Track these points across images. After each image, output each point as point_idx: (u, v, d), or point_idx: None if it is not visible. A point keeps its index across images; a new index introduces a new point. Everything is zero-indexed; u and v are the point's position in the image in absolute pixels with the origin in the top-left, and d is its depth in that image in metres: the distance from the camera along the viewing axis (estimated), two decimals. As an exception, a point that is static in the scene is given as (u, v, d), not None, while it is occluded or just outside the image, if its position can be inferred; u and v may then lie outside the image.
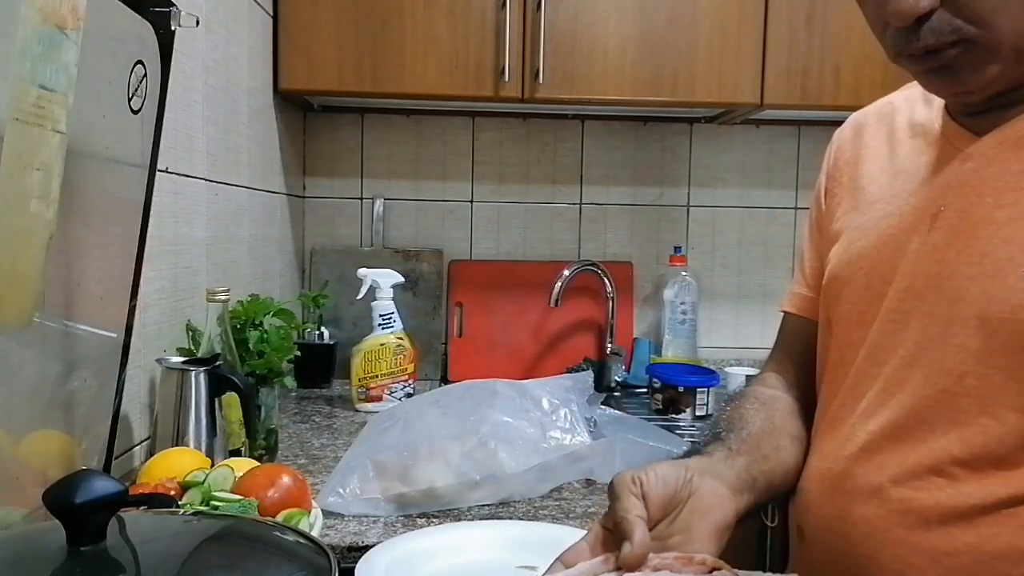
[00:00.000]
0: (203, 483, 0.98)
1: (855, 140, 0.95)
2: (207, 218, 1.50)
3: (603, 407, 1.47)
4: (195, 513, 0.86)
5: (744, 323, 2.36)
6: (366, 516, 1.17)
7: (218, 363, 1.22)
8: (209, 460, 1.12)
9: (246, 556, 0.64)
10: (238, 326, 1.41)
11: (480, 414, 1.28)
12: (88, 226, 0.92)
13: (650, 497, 0.74)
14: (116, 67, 0.92)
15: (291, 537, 0.67)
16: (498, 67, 1.90)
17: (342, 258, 2.25)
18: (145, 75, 0.96)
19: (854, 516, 0.79)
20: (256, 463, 1.11)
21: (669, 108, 2.17)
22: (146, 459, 1.17)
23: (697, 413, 1.93)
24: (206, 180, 1.49)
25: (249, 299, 1.51)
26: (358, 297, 1.86)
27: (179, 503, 0.95)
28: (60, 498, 0.58)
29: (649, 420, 1.68)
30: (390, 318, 1.83)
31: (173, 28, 0.99)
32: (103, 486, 0.58)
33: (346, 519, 1.16)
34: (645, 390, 2.14)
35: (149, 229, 1.04)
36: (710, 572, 0.71)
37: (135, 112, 0.96)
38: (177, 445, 1.17)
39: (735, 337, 2.36)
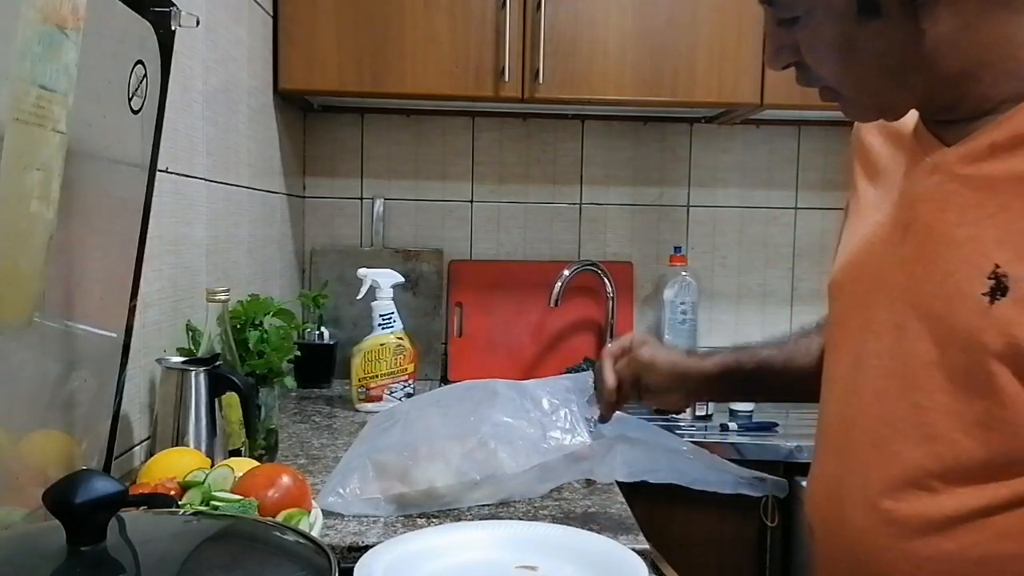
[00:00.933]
0: (203, 483, 0.98)
1: (880, 135, 0.93)
2: (207, 218, 1.50)
3: None
4: (195, 513, 0.86)
5: (744, 323, 2.36)
6: (366, 516, 1.17)
7: (218, 363, 1.22)
8: (209, 460, 1.12)
9: (246, 556, 0.64)
10: (238, 326, 1.41)
11: (480, 414, 1.28)
12: (88, 226, 0.92)
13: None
14: (116, 67, 0.92)
15: (291, 537, 0.67)
16: (498, 67, 1.90)
17: (342, 258, 2.25)
18: (145, 75, 0.96)
19: (849, 522, 0.82)
20: (256, 463, 1.11)
21: (669, 108, 2.17)
22: (146, 459, 1.17)
23: (697, 413, 1.93)
24: (206, 180, 1.49)
25: (249, 299, 1.51)
26: (358, 297, 1.86)
27: (179, 503, 0.95)
28: (60, 498, 0.58)
29: (649, 420, 1.68)
30: (390, 318, 1.83)
31: (173, 28, 0.99)
32: (103, 486, 0.58)
33: (346, 519, 1.16)
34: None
35: (149, 229, 1.04)
36: None
37: (135, 112, 0.96)
38: (177, 445, 1.17)
39: (735, 337, 2.36)
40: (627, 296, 2.30)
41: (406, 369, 1.83)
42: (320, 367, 2.06)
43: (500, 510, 1.22)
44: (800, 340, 1.10)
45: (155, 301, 1.28)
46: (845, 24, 0.75)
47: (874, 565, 0.79)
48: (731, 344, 2.32)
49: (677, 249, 2.27)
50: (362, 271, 1.87)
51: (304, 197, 2.30)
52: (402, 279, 1.88)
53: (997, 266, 0.71)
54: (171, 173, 1.32)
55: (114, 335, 1.00)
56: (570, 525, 1.15)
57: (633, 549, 0.99)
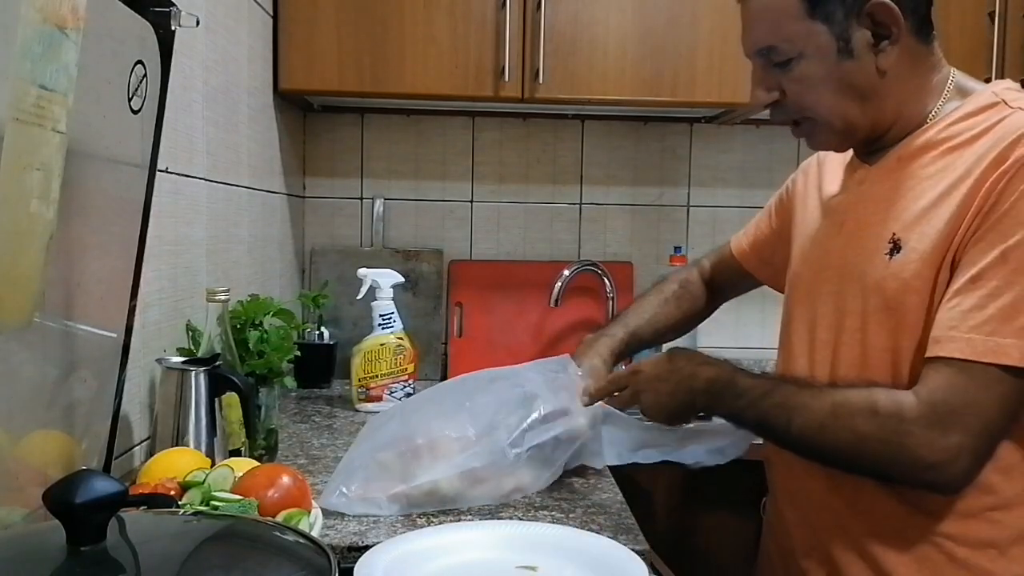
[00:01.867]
0: (203, 483, 0.98)
1: (821, 164, 1.26)
2: (207, 218, 1.50)
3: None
4: (195, 513, 0.86)
5: (744, 323, 2.36)
6: (367, 516, 1.17)
7: (218, 363, 1.22)
8: (209, 460, 1.12)
9: (246, 556, 0.64)
10: (238, 326, 1.41)
11: (474, 401, 1.29)
12: (88, 226, 0.92)
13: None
14: (116, 67, 0.92)
15: (291, 537, 0.67)
16: (498, 67, 1.90)
17: (342, 258, 2.25)
18: (145, 75, 0.96)
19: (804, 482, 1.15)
20: (256, 463, 1.11)
21: (669, 108, 2.17)
22: (146, 459, 1.17)
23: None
24: (206, 180, 1.49)
25: (249, 299, 1.51)
26: (358, 297, 1.86)
27: (179, 503, 0.95)
28: (60, 498, 0.58)
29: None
30: (390, 318, 1.83)
31: (173, 28, 0.99)
32: (103, 486, 0.58)
33: (346, 519, 1.16)
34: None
35: (149, 229, 1.04)
36: None
37: (135, 112, 0.96)
38: (177, 445, 1.17)
39: (735, 337, 2.36)
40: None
41: (406, 369, 1.83)
42: (320, 367, 2.06)
43: (500, 510, 1.22)
44: (645, 304, 1.50)
45: (155, 301, 1.28)
46: (828, 63, 1.04)
47: (818, 475, 1.10)
48: (731, 342, 2.34)
49: (677, 249, 2.27)
50: (362, 271, 1.87)
51: (304, 197, 2.30)
52: (402, 279, 1.88)
53: (894, 234, 1.03)
54: (171, 173, 1.32)
55: (114, 335, 1.00)
56: (570, 525, 1.15)
57: (633, 549, 0.99)
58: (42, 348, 0.86)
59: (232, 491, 0.98)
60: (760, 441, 1.19)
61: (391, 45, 1.90)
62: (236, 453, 1.24)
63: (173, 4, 0.98)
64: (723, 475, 1.58)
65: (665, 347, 1.46)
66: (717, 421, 1.18)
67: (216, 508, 0.94)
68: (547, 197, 2.35)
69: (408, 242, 2.32)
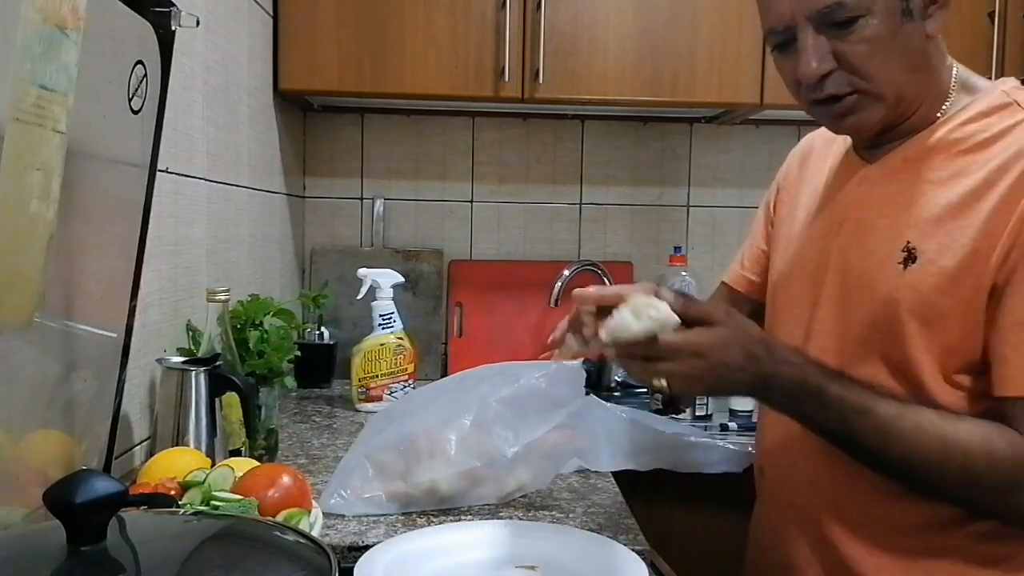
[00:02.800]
0: (203, 483, 0.98)
1: (803, 163, 1.21)
2: (207, 218, 1.50)
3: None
4: (195, 513, 0.86)
5: (744, 323, 2.35)
6: (367, 516, 1.17)
7: (218, 363, 1.22)
8: (209, 460, 1.12)
9: (246, 556, 0.64)
10: (238, 326, 1.41)
11: (471, 396, 1.28)
12: (88, 226, 0.92)
13: None
14: (116, 67, 0.92)
15: (291, 537, 0.67)
16: (498, 67, 1.90)
17: (342, 258, 2.25)
18: (145, 75, 0.96)
19: (798, 463, 1.09)
20: (256, 463, 1.11)
21: (669, 108, 2.17)
22: (146, 459, 1.17)
23: (697, 413, 1.93)
24: (206, 180, 1.49)
25: (249, 299, 1.51)
26: (358, 297, 1.86)
27: (179, 503, 0.95)
28: (60, 498, 0.58)
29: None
30: (390, 318, 1.83)
31: (173, 28, 0.99)
32: (103, 486, 0.58)
33: (346, 519, 1.16)
34: (645, 390, 2.13)
35: (149, 229, 1.04)
36: None
37: (135, 112, 0.96)
38: (177, 445, 1.17)
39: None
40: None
41: (406, 369, 1.83)
42: (320, 367, 2.06)
43: (500, 510, 1.22)
44: None
45: (155, 301, 1.28)
46: (893, 23, 0.94)
47: (823, 494, 1.05)
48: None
49: (677, 249, 2.27)
50: (362, 271, 1.87)
51: (304, 197, 2.30)
52: (402, 279, 1.88)
53: (908, 242, 0.97)
54: (171, 173, 1.32)
55: (114, 335, 1.00)
56: (570, 525, 1.15)
57: (633, 549, 0.99)
58: (42, 348, 0.86)
59: (232, 491, 0.98)
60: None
61: (391, 45, 1.90)
62: (236, 453, 1.24)
63: (173, 4, 0.98)
64: (723, 475, 1.59)
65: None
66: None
67: (216, 508, 0.94)
68: (547, 197, 2.35)
69: (408, 242, 2.32)
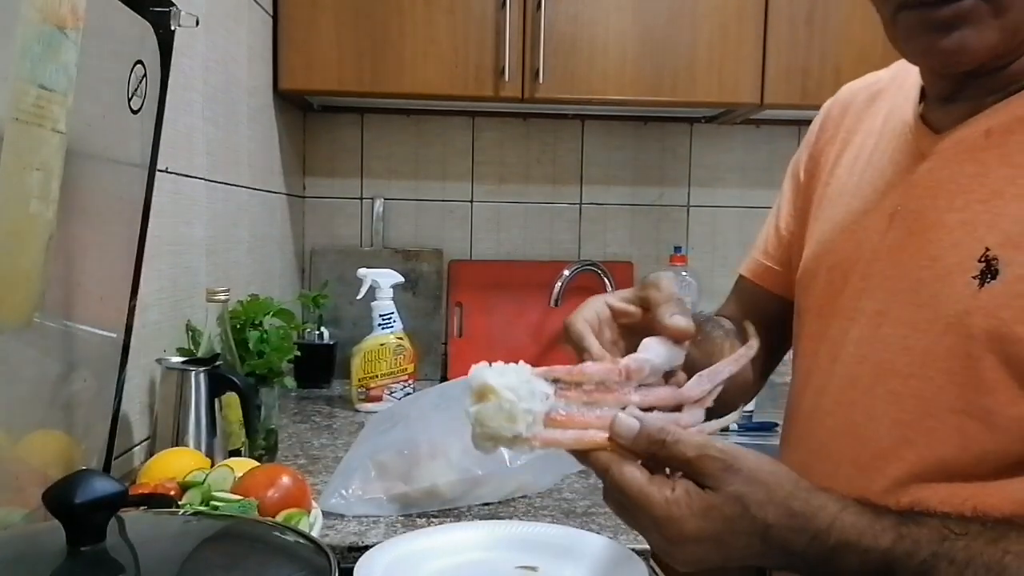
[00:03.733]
0: (203, 483, 0.98)
1: (840, 121, 0.95)
2: (207, 218, 1.50)
3: None
4: (195, 513, 0.86)
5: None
6: (367, 516, 1.17)
7: (218, 363, 1.22)
8: (209, 460, 1.12)
9: (246, 556, 0.64)
10: (238, 326, 1.41)
11: None
12: (88, 226, 0.92)
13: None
14: (116, 67, 0.92)
15: (291, 537, 0.67)
16: (498, 67, 1.90)
17: (342, 258, 2.25)
18: (145, 75, 0.96)
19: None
20: (256, 463, 1.11)
21: (669, 108, 2.17)
22: (146, 459, 1.17)
23: (697, 413, 1.92)
24: (206, 180, 1.49)
25: (249, 299, 1.51)
26: (358, 297, 1.86)
27: (179, 503, 0.95)
28: (60, 498, 0.58)
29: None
30: (390, 318, 1.83)
31: (173, 28, 0.99)
32: (103, 486, 0.58)
33: (346, 519, 1.16)
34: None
35: (149, 229, 1.03)
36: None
37: (135, 112, 0.96)
38: (177, 445, 1.17)
39: (735, 337, 2.36)
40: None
41: (406, 369, 1.83)
42: (320, 367, 2.06)
43: (500, 510, 1.22)
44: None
45: (155, 301, 1.28)
46: None
47: None
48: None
49: (677, 249, 2.27)
50: (362, 271, 1.86)
51: (304, 197, 2.30)
52: (402, 279, 1.88)
53: (987, 249, 0.71)
54: (171, 173, 1.32)
55: (114, 335, 1.00)
56: (570, 525, 1.15)
57: (633, 549, 0.99)
58: (42, 348, 0.86)
59: (232, 491, 0.98)
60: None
61: (391, 45, 1.90)
62: (236, 453, 1.24)
63: (173, 4, 0.98)
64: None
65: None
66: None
67: (216, 508, 0.94)
68: (547, 197, 2.35)
69: (408, 242, 2.31)
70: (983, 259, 0.71)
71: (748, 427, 1.90)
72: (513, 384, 0.69)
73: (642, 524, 0.66)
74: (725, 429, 1.95)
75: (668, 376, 0.75)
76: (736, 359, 0.74)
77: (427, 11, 1.90)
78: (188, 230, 1.42)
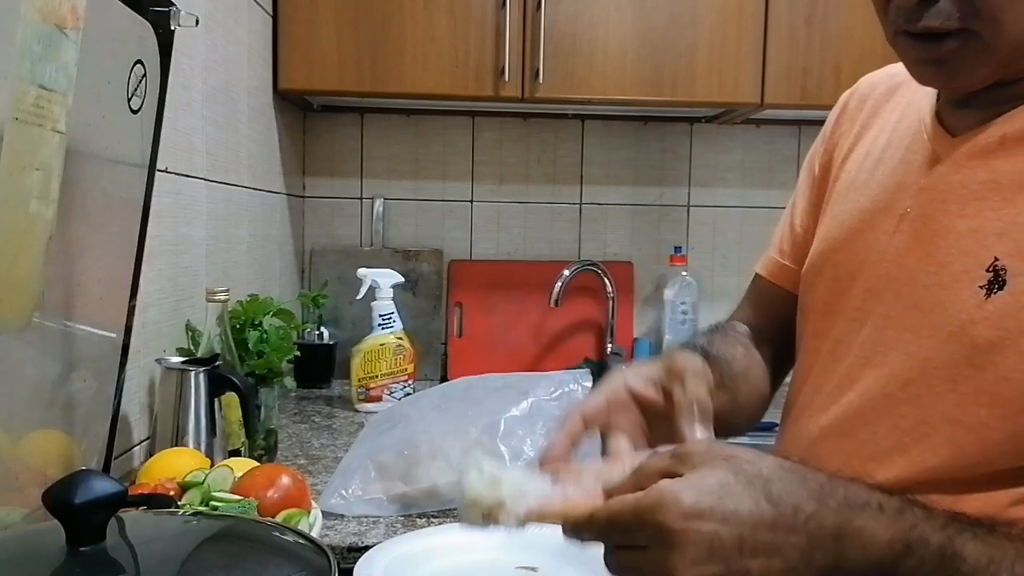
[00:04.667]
0: (202, 483, 0.98)
1: (856, 115, 0.93)
2: (207, 218, 1.50)
3: None
4: (195, 513, 0.86)
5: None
6: (367, 516, 1.17)
7: (218, 363, 1.22)
8: (208, 460, 1.12)
9: (246, 556, 0.64)
10: (238, 326, 1.41)
11: (480, 408, 1.28)
12: (88, 226, 0.92)
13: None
14: (116, 67, 0.92)
15: (291, 537, 0.67)
16: (498, 67, 1.89)
17: (342, 258, 2.25)
18: (145, 75, 0.96)
19: None
20: (255, 463, 1.11)
21: (669, 108, 2.17)
22: (146, 459, 1.17)
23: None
24: (206, 180, 1.49)
25: (249, 299, 1.51)
26: (358, 297, 1.86)
27: (179, 503, 0.95)
28: (60, 498, 0.57)
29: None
30: (390, 318, 1.83)
31: (173, 28, 0.99)
32: (103, 486, 0.58)
33: (346, 519, 1.16)
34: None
35: (149, 229, 1.04)
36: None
37: (135, 112, 0.96)
38: (177, 445, 1.17)
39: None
40: (627, 296, 2.30)
41: (406, 369, 1.83)
42: (320, 367, 2.06)
43: (500, 510, 1.22)
44: (742, 382, 0.92)
45: (155, 301, 1.28)
46: None
47: None
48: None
49: (677, 249, 2.27)
50: (362, 271, 1.86)
51: (304, 197, 2.30)
52: (402, 279, 1.88)
53: (996, 259, 0.70)
54: (171, 173, 1.32)
55: (114, 335, 1.00)
56: (570, 525, 1.14)
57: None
58: (42, 348, 0.86)
59: (232, 491, 0.98)
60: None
61: (391, 45, 1.90)
62: (236, 453, 1.24)
63: (173, 4, 0.98)
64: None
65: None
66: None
67: (216, 508, 0.94)
68: (547, 197, 2.35)
69: (408, 242, 2.31)
70: (991, 268, 0.70)
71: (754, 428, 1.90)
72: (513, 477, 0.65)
73: (645, 536, 0.58)
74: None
75: None
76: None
77: (427, 11, 1.90)
78: (188, 230, 1.42)
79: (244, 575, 0.62)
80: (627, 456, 0.73)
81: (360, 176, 2.31)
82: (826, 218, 0.91)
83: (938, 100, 0.81)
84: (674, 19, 1.93)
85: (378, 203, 2.30)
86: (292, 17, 1.89)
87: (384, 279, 1.85)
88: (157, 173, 1.05)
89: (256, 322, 1.46)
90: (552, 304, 2.13)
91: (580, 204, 2.36)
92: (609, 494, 0.63)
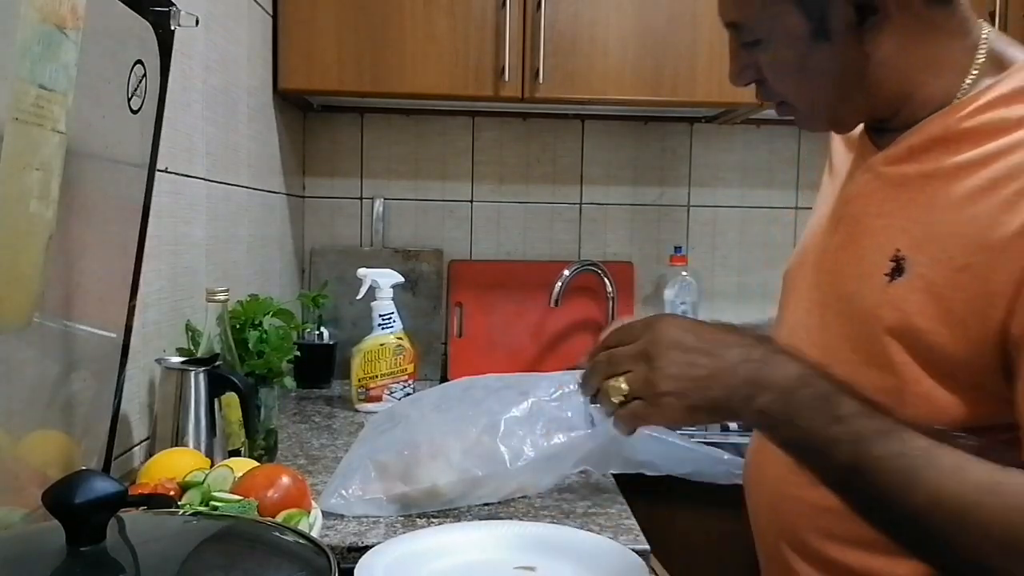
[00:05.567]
0: (202, 483, 0.98)
1: (848, 137, 1.02)
2: (207, 218, 1.50)
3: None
4: (194, 513, 0.86)
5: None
6: (367, 517, 1.17)
7: (217, 363, 1.22)
8: (208, 460, 1.11)
9: (246, 556, 0.64)
10: (238, 326, 1.41)
11: (480, 409, 1.28)
12: (88, 226, 0.92)
13: None
14: (116, 67, 0.92)
15: (290, 537, 0.67)
16: (498, 67, 1.90)
17: (342, 258, 2.25)
18: (145, 75, 0.96)
19: (767, 477, 0.97)
20: (255, 463, 1.11)
21: (669, 108, 2.17)
22: (146, 459, 1.17)
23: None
24: (206, 180, 1.49)
25: (249, 299, 1.51)
26: (358, 297, 1.86)
27: (178, 503, 0.95)
28: (60, 498, 0.57)
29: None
30: (390, 318, 1.83)
31: (173, 28, 0.99)
32: (103, 486, 0.58)
33: (346, 519, 1.16)
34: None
35: (149, 229, 1.03)
36: None
37: (135, 112, 0.96)
38: (176, 445, 1.17)
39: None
40: (627, 296, 2.30)
41: (406, 369, 1.83)
42: (320, 367, 2.06)
43: (500, 510, 1.22)
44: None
45: (155, 301, 1.28)
46: (800, 47, 0.84)
47: (782, 510, 0.94)
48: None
49: (677, 249, 2.27)
50: (362, 271, 1.86)
51: (304, 197, 2.30)
52: (402, 279, 1.88)
53: (898, 250, 0.82)
54: (170, 173, 1.32)
55: (114, 335, 1.00)
56: (570, 525, 1.15)
57: (633, 549, 0.99)
58: (42, 348, 0.86)
59: (231, 491, 0.98)
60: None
61: (391, 45, 1.90)
62: (235, 453, 1.24)
63: (173, 4, 0.98)
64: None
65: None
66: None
67: (216, 508, 0.94)
68: (547, 197, 2.35)
69: (408, 242, 2.31)
70: (894, 259, 0.82)
71: (750, 427, 1.90)
72: None
73: (638, 330, 0.79)
74: (725, 428, 1.95)
75: None
76: None
77: (427, 11, 1.90)
78: (188, 230, 1.42)
79: (244, 575, 0.62)
80: None
81: (360, 176, 2.31)
82: (807, 230, 1.06)
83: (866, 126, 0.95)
84: (674, 19, 1.93)
85: (378, 203, 2.30)
86: (292, 17, 1.89)
87: (384, 279, 1.85)
88: (157, 173, 1.05)
89: (256, 322, 1.46)
90: (552, 304, 2.13)
91: (580, 204, 2.36)
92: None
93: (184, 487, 0.98)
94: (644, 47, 1.93)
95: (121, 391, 1.01)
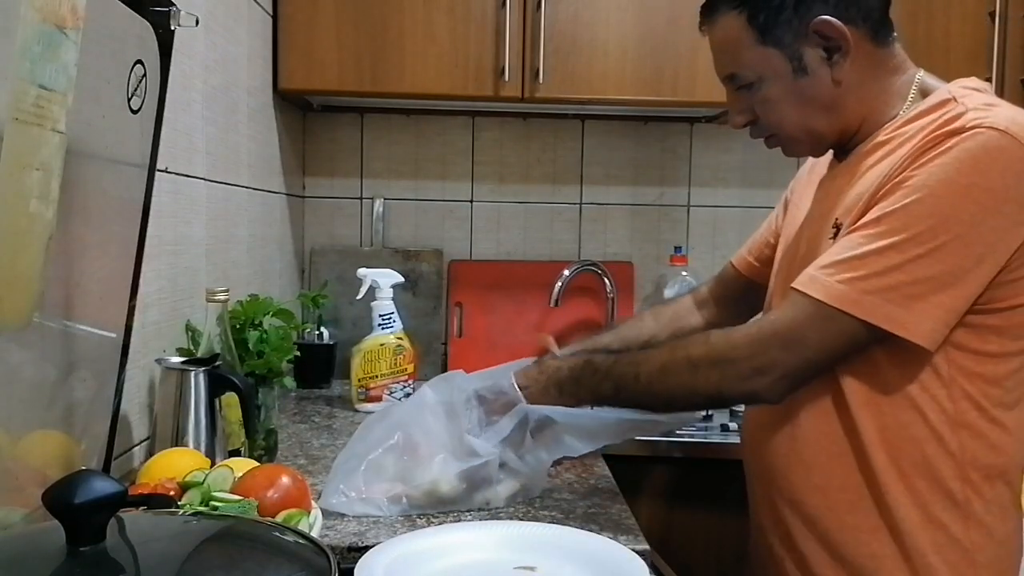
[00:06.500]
0: (202, 483, 0.98)
1: (812, 166, 1.31)
2: (207, 218, 1.50)
3: None
4: (194, 513, 0.86)
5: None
6: (367, 517, 1.17)
7: (217, 363, 1.22)
8: (208, 460, 1.11)
9: (246, 556, 0.64)
10: (237, 326, 1.41)
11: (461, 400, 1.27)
12: (88, 226, 0.92)
13: None
14: (116, 67, 0.92)
15: (290, 537, 0.67)
16: (498, 67, 1.90)
17: (342, 258, 2.25)
18: (145, 75, 0.96)
19: (755, 436, 1.24)
20: (255, 463, 1.11)
21: (669, 108, 2.17)
22: (145, 459, 1.16)
23: (699, 414, 1.92)
24: (206, 180, 1.49)
25: (249, 299, 1.51)
26: (358, 297, 1.86)
27: (178, 503, 0.95)
28: (60, 498, 0.58)
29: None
30: (390, 318, 1.83)
31: (173, 28, 0.99)
32: (103, 486, 0.58)
33: (346, 519, 1.16)
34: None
35: (149, 229, 1.03)
36: None
37: (135, 112, 0.96)
38: (176, 445, 1.17)
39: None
40: (627, 296, 2.30)
41: (406, 369, 1.83)
42: (320, 367, 2.06)
43: (500, 510, 1.22)
44: (629, 323, 1.56)
45: (155, 301, 1.28)
46: (786, 82, 1.12)
47: (761, 456, 1.21)
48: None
49: (677, 249, 2.27)
50: (362, 271, 1.86)
51: (304, 197, 2.30)
52: (402, 279, 1.88)
53: (836, 219, 1.11)
54: (170, 173, 1.32)
55: (113, 335, 1.00)
56: (570, 525, 1.15)
57: (633, 549, 0.99)
58: (41, 348, 0.86)
59: (232, 491, 0.98)
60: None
61: (391, 45, 1.90)
62: (235, 453, 1.24)
63: (173, 4, 0.98)
64: (723, 474, 1.58)
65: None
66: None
67: (216, 508, 0.94)
68: (547, 197, 2.35)
69: (408, 242, 2.31)
70: (835, 225, 1.10)
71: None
72: None
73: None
74: (725, 428, 1.95)
75: None
76: None
77: (427, 11, 1.90)
78: (188, 230, 1.42)
79: (244, 575, 0.62)
80: None
81: (360, 176, 2.31)
82: (782, 232, 1.33)
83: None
84: (674, 19, 1.93)
85: (378, 203, 2.30)
86: (292, 17, 1.89)
87: (384, 279, 1.85)
88: (157, 173, 1.05)
89: (256, 322, 1.46)
90: (552, 304, 2.13)
91: (580, 204, 2.36)
92: None
93: (184, 487, 0.98)
94: (644, 47, 1.93)
95: (121, 391, 1.01)
